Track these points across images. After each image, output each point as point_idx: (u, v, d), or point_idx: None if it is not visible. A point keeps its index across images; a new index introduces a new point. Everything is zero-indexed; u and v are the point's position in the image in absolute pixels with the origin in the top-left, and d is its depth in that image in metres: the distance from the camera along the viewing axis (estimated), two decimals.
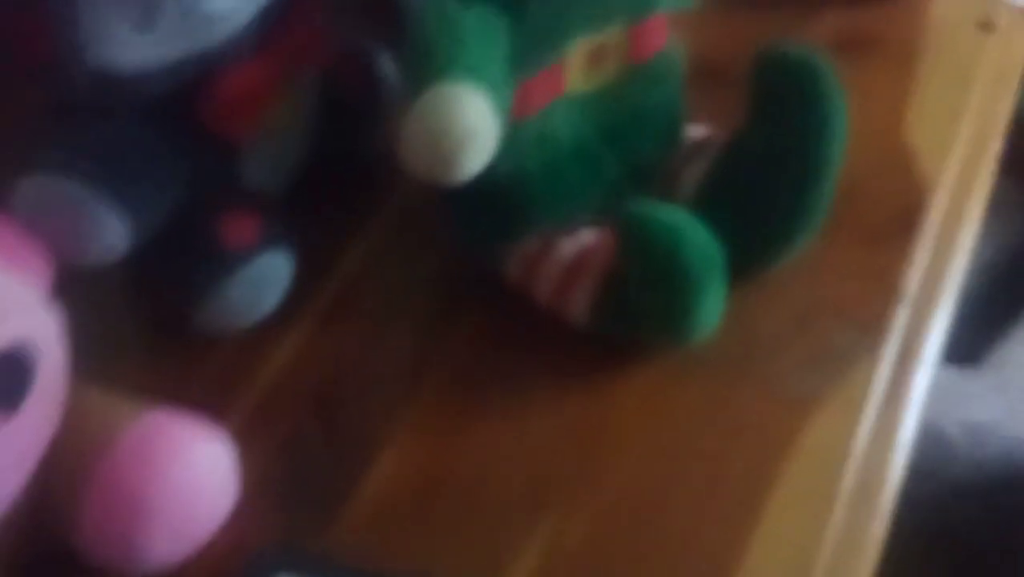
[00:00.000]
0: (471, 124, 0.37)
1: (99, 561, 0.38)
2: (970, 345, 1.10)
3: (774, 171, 0.44)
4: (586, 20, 0.42)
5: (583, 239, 0.45)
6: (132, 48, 0.38)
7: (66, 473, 0.38)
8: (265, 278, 0.46)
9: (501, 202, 0.44)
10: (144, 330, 0.49)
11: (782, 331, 0.47)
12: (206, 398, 0.43)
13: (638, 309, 0.43)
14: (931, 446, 0.84)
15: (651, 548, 0.42)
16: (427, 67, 0.38)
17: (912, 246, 0.51)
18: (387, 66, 0.51)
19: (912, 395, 0.46)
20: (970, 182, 0.54)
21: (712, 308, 0.43)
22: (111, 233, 0.40)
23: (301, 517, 0.43)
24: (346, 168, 0.51)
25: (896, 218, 0.52)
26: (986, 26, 0.62)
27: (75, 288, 0.39)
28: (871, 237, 0.51)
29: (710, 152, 0.48)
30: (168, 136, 0.42)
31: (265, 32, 0.42)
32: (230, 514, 0.40)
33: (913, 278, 0.50)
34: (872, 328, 0.48)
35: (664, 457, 0.44)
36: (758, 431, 0.44)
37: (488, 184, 0.41)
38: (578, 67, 0.44)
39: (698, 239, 0.41)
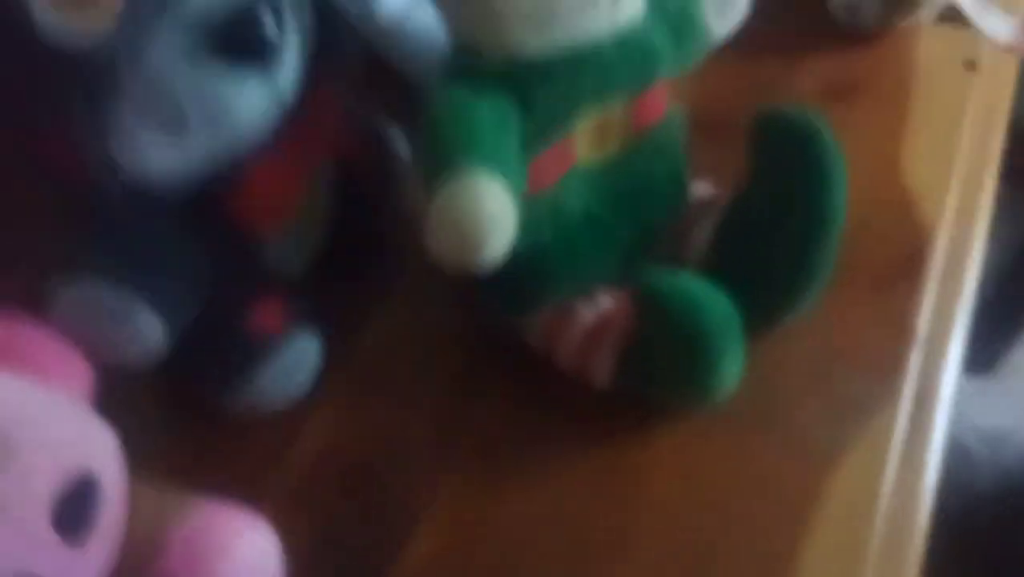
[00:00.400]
0: (493, 212, 0.38)
1: None
2: (981, 352, 1.11)
3: (779, 231, 0.45)
4: (590, 98, 0.44)
5: (601, 304, 0.46)
6: (163, 156, 0.39)
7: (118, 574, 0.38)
8: (295, 362, 0.47)
9: (519, 274, 0.45)
10: (177, 418, 0.49)
11: (801, 382, 0.48)
12: (242, 484, 0.44)
13: (659, 373, 0.44)
14: (952, 458, 0.85)
15: None
16: (446, 158, 0.39)
17: (920, 286, 0.52)
18: (399, 142, 0.52)
19: (933, 437, 0.47)
20: (970, 218, 0.56)
21: (732, 370, 0.44)
22: (150, 335, 0.41)
23: None
24: (364, 243, 0.52)
25: (901, 261, 0.53)
26: (971, 65, 0.63)
27: (106, 379, 0.40)
28: (878, 282, 0.52)
29: (716, 212, 0.49)
30: (197, 234, 0.43)
31: (286, 128, 0.43)
32: None
33: (924, 319, 0.51)
34: (888, 373, 0.49)
35: (696, 515, 0.45)
36: (785, 485, 0.45)
37: (506, 257, 0.42)
38: (585, 142, 0.45)
39: (716, 305, 0.43)
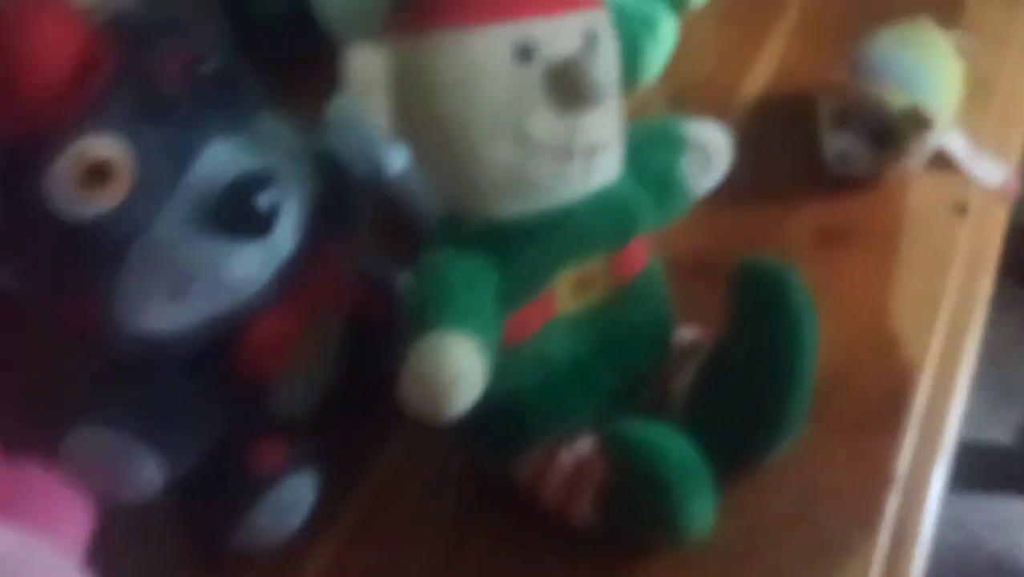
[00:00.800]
0: (458, 369, 0.41)
1: None
2: None
3: (753, 377, 0.48)
4: (568, 257, 0.47)
5: (582, 448, 0.48)
6: (166, 316, 0.43)
7: None
8: (292, 500, 0.50)
9: (505, 418, 0.48)
10: (176, 551, 0.52)
11: (781, 523, 0.50)
12: None
13: (634, 515, 0.47)
14: None
15: None
16: (419, 318, 0.42)
17: (900, 430, 0.53)
18: (405, 287, 0.56)
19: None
20: (953, 362, 0.57)
21: (701, 511, 0.46)
22: (150, 477, 0.45)
23: None
24: (368, 386, 0.55)
25: (884, 403, 0.55)
26: (961, 209, 0.65)
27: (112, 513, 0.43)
28: (861, 423, 0.54)
29: (699, 357, 0.51)
30: (202, 383, 0.47)
31: (288, 281, 0.47)
32: None
33: (903, 462, 0.52)
34: (866, 516, 0.50)
35: None
36: None
37: (492, 402, 0.45)
38: (566, 293, 0.48)
39: (676, 452, 0.45)
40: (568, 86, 0.44)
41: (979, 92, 0.75)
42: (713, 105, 0.73)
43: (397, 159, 0.59)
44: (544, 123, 0.44)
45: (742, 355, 0.49)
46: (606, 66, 0.46)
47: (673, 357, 0.52)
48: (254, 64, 0.49)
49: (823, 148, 0.66)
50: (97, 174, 0.40)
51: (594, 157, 0.46)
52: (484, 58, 0.43)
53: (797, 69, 0.75)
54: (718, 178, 0.55)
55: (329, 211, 0.49)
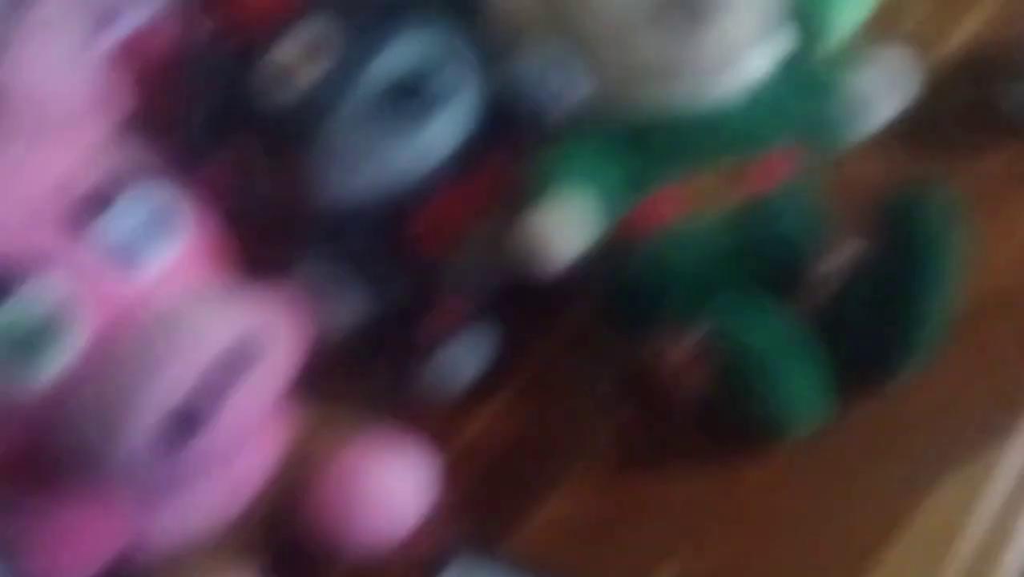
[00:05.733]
0: (555, 224, 0.47)
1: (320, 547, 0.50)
2: None
3: (886, 296, 0.50)
4: (700, 153, 0.51)
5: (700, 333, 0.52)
6: (350, 188, 0.51)
7: (299, 475, 0.50)
8: (466, 356, 0.58)
9: (636, 297, 0.53)
10: (370, 396, 0.59)
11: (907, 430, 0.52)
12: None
13: (734, 401, 0.51)
14: None
15: None
16: (536, 185, 0.49)
17: None
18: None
19: None
20: None
21: (802, 394, 0.49)
22: (351, 306, 0.54)
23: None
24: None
25: None
26: None
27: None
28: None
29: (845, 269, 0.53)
30: (385, 247, 0.55)
31: (466, 161, 0.53)
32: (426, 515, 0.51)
33: None
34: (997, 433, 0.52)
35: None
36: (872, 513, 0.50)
37: (625, 281, 0.52)
38: (701, 190, 0.52)
39: (765, 326, 0.49)
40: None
41: None
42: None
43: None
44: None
45: (878, 271, 0.51)
46: None
47: (826, 264, 0.54)
48: None
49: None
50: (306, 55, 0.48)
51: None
52: None
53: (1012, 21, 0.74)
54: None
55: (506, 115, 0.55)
